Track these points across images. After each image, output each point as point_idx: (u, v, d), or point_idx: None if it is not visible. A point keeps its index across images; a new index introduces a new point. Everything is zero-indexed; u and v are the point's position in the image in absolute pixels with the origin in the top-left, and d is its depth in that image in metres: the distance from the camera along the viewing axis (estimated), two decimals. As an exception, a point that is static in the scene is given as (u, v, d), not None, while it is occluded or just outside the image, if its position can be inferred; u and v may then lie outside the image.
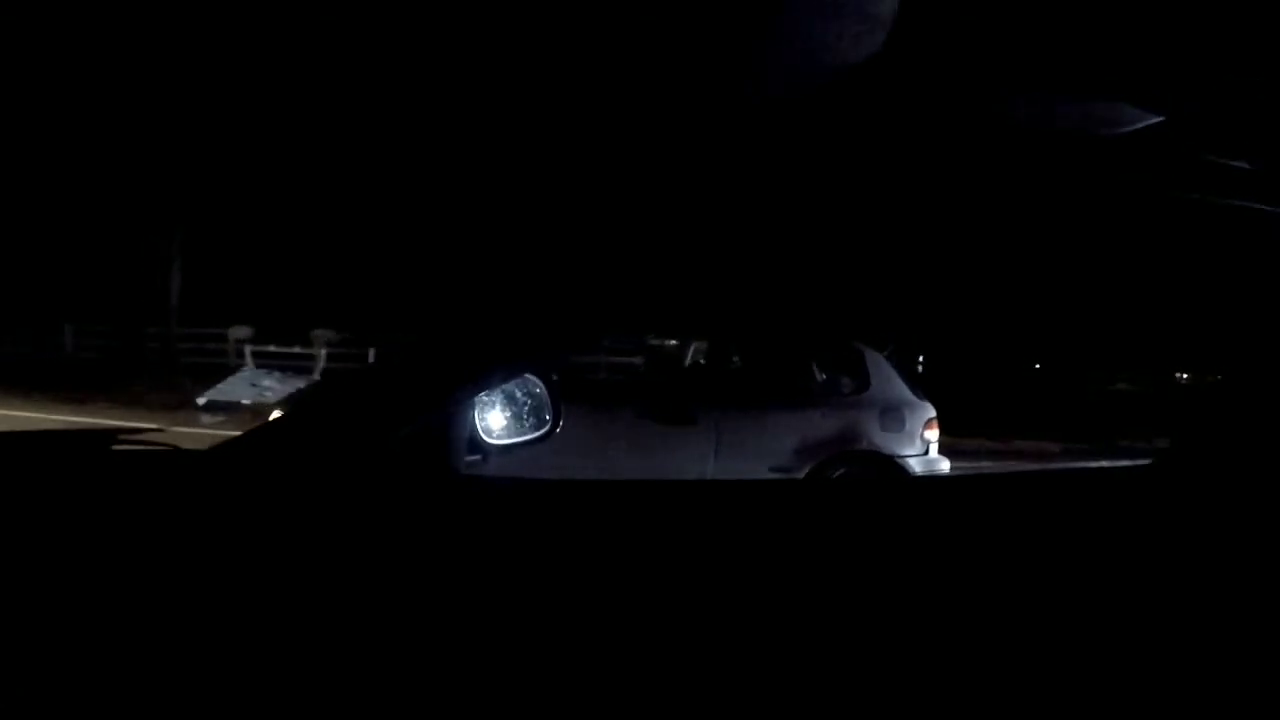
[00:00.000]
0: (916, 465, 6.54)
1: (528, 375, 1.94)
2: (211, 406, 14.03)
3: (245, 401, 14.19)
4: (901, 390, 6.77)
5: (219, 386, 14.87)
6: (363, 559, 1.52)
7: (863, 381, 6.73)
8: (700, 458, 6.43)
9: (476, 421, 1.88)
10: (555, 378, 2.00)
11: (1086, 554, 1.67)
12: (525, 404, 1.95)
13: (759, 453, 6.48)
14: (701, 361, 7.81)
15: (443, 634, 1.47)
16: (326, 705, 1.41)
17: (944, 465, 6.77)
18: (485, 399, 1.89)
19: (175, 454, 1.85)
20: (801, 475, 6.37)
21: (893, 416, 6.63)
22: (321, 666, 1.42)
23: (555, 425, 1.96)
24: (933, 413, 6.74)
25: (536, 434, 1.95)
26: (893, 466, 6.45)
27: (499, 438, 1.91)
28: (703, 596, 1.54)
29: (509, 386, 1.93)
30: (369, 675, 1.40)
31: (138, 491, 1.63)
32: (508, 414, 1.93)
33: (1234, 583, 1.62)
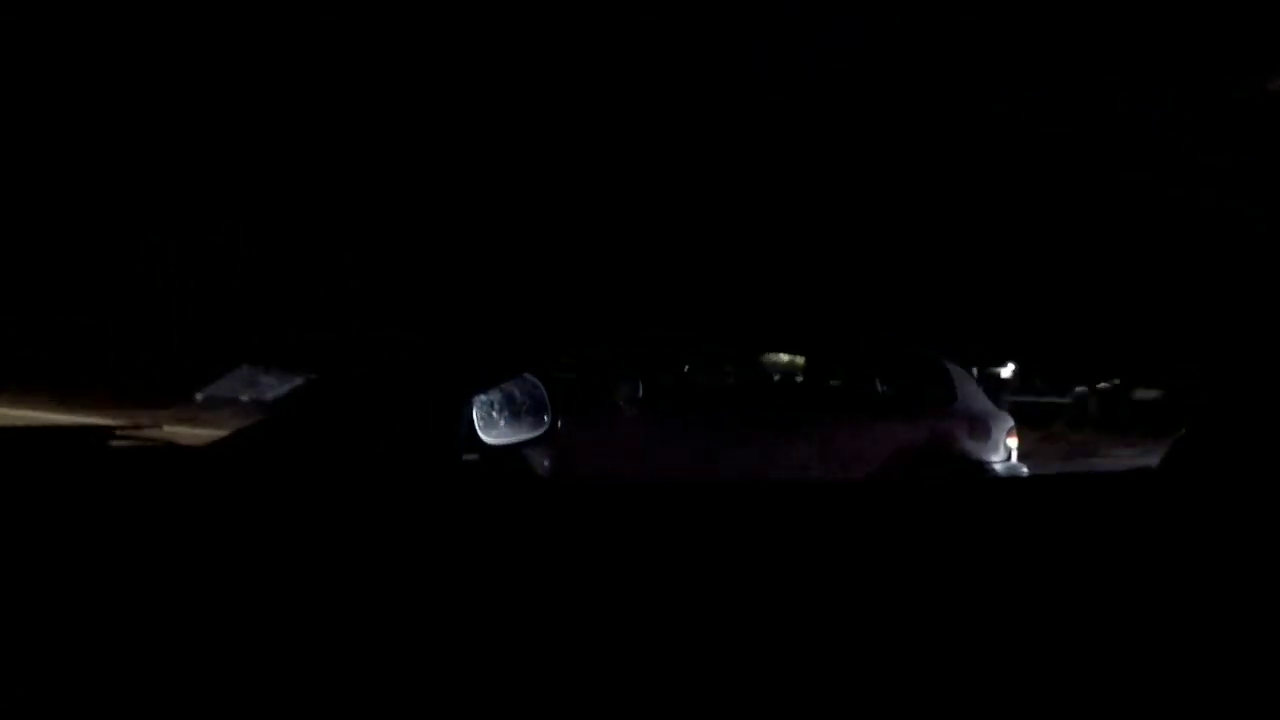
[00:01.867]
0: (1001, 470, 6.91)
1: (526, 375, 1.94)
2: (210, 402, 14.01)
3: (244, 398, 14.17)
4: (985, 402, 7.30)
5: (218, 382, 14.85)
6: (360, 553, 1.51)
7: (949, 394, 7.17)
8: (804, 464, 6.75)
9: (475, 420, 1.87)
10: (553, 378, 2.00)
11: (1094, 554, 1.67)
12: (524, 403, 1.94)
13: (858, 460, 6.84)
14: (798, 379, 8.25)
15: (443, 627, 1.46)
16: (324, 700, 1.41)
17: (1023, 470, 7.18)
18: (483, 398, 1.88)
19: (171, 450, 1.85)
20: (901, 477, 6.71)
21: (979, 426, 7.09)
22: (321, 660, 1.42)
23: (553, 425, 1.95)
24: (1012, 422, 7.24)
25: (534, 433, 1.95)
26: (982, 472, 6.84)
27: (496, 437, 1.91)
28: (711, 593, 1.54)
29: (508, 386, 1.93)
30: (367, 669, 1.40)
31: (135, 487, 1.63)
32: (506, 413, 1.93)
33: (1235, 582, 1.63)
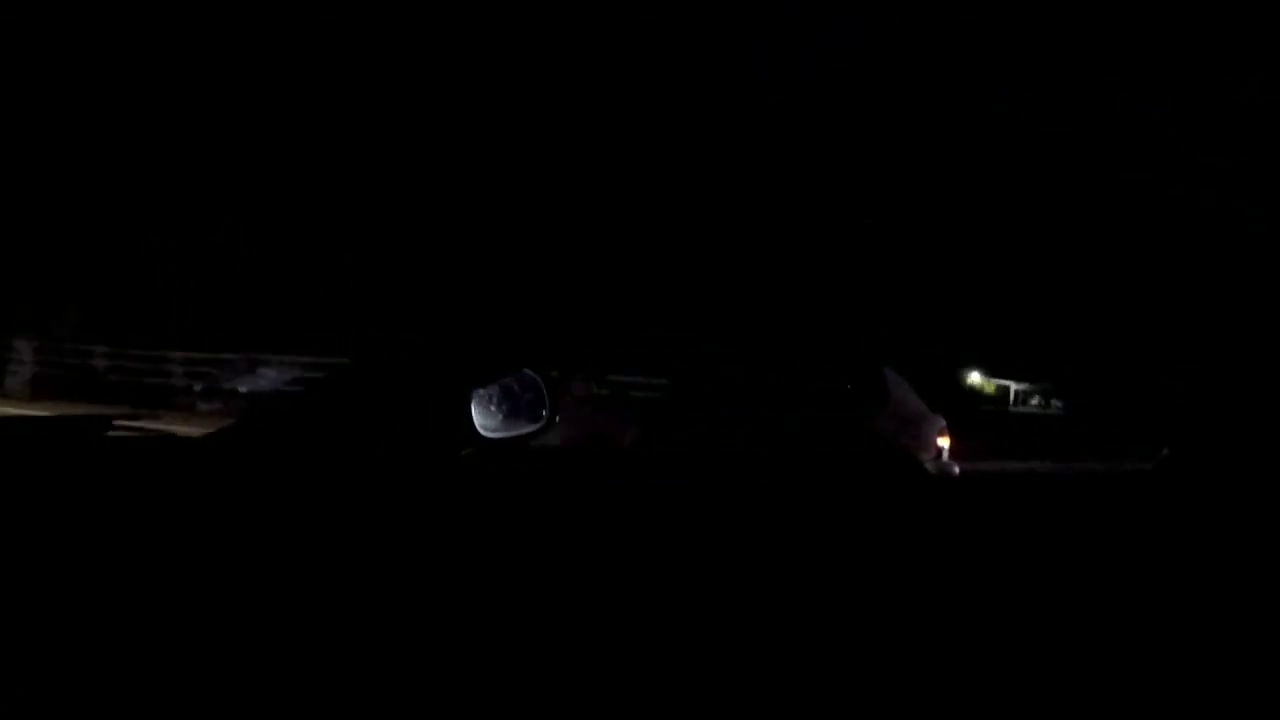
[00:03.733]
0: (930, 469, 7.14)
1: (525, 370, 1.94)
2: (208, 394, 14.06)
3: (242, 390, 14.23)
4: (917, 403, 7.60)
5: (216, 375, 14.88)
6: (359, 542, 1.52)
7: (884, 395, 7.48)
8: (739, 455, 7.09)
9: (473, 415, 1.87)
10: (554, 374, 2.00)
11: (1092, 551, 1.68)
12: (522, 398, 1.94)
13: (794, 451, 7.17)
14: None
15: (441, 618, 1.47)
16: (323, 690, 1.41)
17: (954, 469, 7.43)
18: (481, 393, 1.89)
19: (170, 440, 1.86)
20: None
21: (911, 426, 7.38)
22: (321, 649, 1.42)
23: (551, 420, 1.95)
24: (943, 423, 7.55)
25: (531, 428, 1.94)
26: (914, 467, 7.08)
27: (494, 431, 1.91)
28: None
29: (507, 380, 1.93)
30: (366, 657, 1.40)
31: (133, 477, 1.63)
32: (504, 408, 1.93)
33: (1231, 582, 1.63)
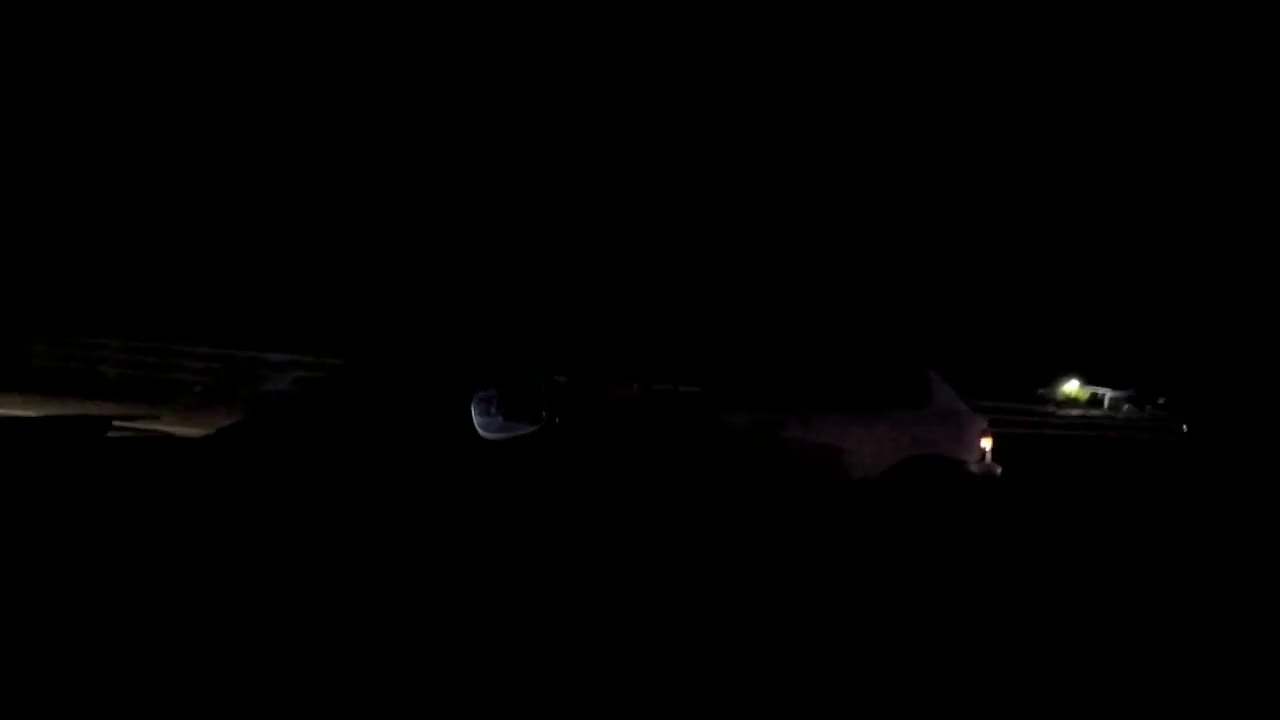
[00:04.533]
0: (975, 470, 7.08)
1: (525, 373, 1.95)
2: (208, 394, 14.04)
3: (243, 390, 14.22)
4: (959, 404, 7.53)
5: (216, 375, 14.87)
6: (362, 540, 1.52)
7: (926, 396, 7.42)
8: (795, 453, 7.07)
9: (474, 416, 1.88)
10: (558, 378, 2.00)
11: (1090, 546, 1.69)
12: (522, 401, 1.95)
13: (846, 451, 7.12)
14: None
15: (447, 607, 1.47)
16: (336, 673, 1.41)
17: (997, 470, 7.38)
18: (483, 394, 1.89)
19: (170, 440, 1.86)
20: (884, 471, 6.94)
21: (953, 426, 7.32)
22: (323, 633, 1.42)
23: (551, 421, 1.96)
24: (985, 423, 7.48)
25: (529, 430, 1.95)
26: (957, 467, 7.02)
27: (493, 432, 1.91)
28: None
29: (507, 383, 1.93)
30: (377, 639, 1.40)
31: (135, 476, 1.63)
32: (504, 409, 1.94)
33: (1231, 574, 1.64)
